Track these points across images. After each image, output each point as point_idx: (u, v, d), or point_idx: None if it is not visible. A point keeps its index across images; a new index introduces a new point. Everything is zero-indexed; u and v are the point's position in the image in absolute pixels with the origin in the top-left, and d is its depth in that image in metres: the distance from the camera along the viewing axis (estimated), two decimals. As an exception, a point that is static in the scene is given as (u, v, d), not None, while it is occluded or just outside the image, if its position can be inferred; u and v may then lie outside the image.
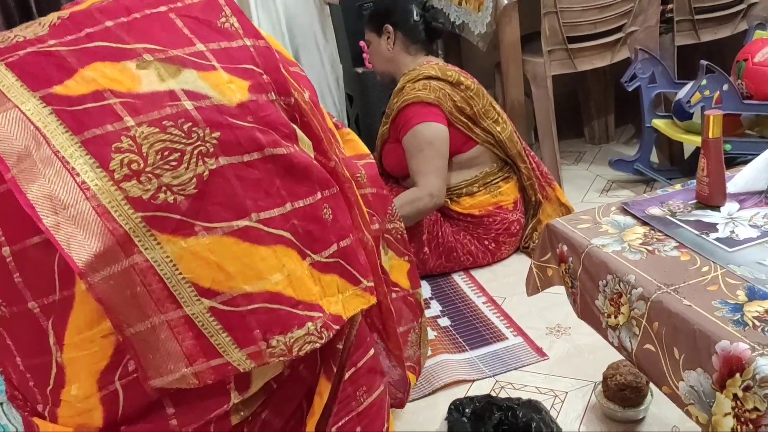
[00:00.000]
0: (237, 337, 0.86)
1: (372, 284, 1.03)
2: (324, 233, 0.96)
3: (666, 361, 0.87)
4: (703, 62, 2.02)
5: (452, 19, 2.60)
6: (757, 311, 0.84)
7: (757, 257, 0.94)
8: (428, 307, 1.98)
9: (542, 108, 2.46)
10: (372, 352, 1.08)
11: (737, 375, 0.77)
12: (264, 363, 0.87)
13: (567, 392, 1.56)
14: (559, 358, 1.68)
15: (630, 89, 2.34)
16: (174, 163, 0.84)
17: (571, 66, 2.41)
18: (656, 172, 2.45)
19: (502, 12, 2.37)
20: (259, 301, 0.87)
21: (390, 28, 2.11)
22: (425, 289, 2.07)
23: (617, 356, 1.22)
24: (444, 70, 2.05)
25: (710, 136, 1.06)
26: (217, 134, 0.86)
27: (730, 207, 1.09)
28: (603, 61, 2.43)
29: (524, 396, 1.55)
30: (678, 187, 1.19)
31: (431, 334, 1.83)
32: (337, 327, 0.94)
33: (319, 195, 0.96)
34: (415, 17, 2.13)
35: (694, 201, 1.12)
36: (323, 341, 0.91)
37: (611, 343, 1.00)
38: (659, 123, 2.35)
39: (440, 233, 2.07)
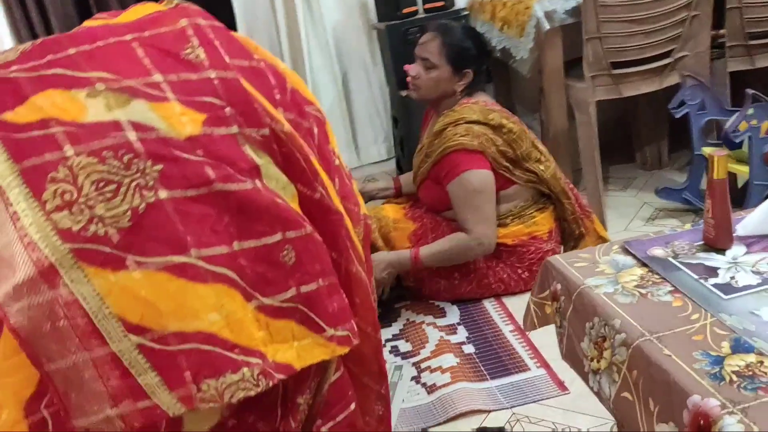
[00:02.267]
0: (167, 378, 0.81)
1: (344, 334, 0.96)
2: (280, 276, 0.91)
3: (641, 412, 0.85)
4: (749, 91, 1.94)
5: (494, 44, 2.60)
6: (738, 365, 0.80)
7: (752, 306, 0.90)
8: (455, 333, 1.97)
9: (585, 134, 2.41)
10: (353, 407, 1.03)
11: (705, 432, 0.74)
12: (194, 407, 0.82)
13: (582, 431, 1.52)
14: (580, 393, 1.63)
15: (677, 116, 2.27)
16: (109, 195, 0.81)
17: (616, 92, 2.36)
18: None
19: (545, 37, 2.35)
20: (191, 341, 0.82)
21: (470, 74, 2.04)
22: (454, 314, 2.06)
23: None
24: (486, 113, 1.99)
25: (715, 176, 1.03)
26: (159, 167, 0.84)
27: (736, 250, 1.05)
28: (650, 87, 2.37)
29: (539, 431, 1.53)
30: (688, 226, 1.15)
31: (453, 360, 1.82)
32: (282, 376, 0.89)
33: (279, 236, 0.91)
34: (485, 65, 2.11)
35: (701, 243, 1.08)
36: (260, 389, 0.85)
37: (591, 389, 0.98)
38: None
39: (473, 260, 2.06)
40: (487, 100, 2.09)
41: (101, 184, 0.81)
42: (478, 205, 1.95)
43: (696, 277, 0.99)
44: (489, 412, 1.63)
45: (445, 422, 1.62)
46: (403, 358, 1.89)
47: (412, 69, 2.08)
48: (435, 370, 1.80)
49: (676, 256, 1.06)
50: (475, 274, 2.07)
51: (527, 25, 2.36)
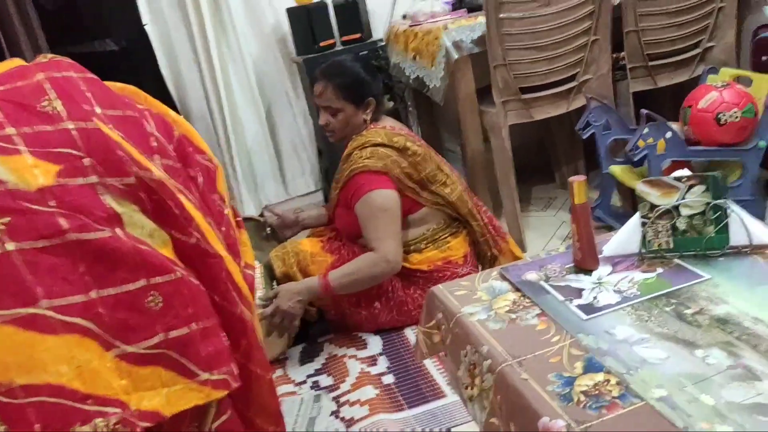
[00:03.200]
0: (16, 431, 0.82)
1: (220, 377, 0.96)
2: (144, 323, 0.92)
3: (504, 436, 0.87)
4: (643, 111, 2.02)
5: (407, 74, 2.65)
6: (586, 385, 0.83)
7: (608, 325, 0.94)
8: (375, 364, 1.98)
9: (500, 157, 2.47)
10: None
11: (551, 454, 0.76)
12: None
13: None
14: (493, 416, 1.65)
15: (584, 137, 2.34)
16: None
17: (527, 115, 2.43)
18: (617, 218, 2.43)
19: (455, 65, 2.41)
20: (40, 394, 0.83)
21: (373, 100, 2.08)
22: (376, 345, 2.07)
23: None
24: (390, 136, 2.04)
25: (576, 201, 1.07)
26: (6, 219, 0.84)
27: (602, 270, 1.09)
28: (558, 110, 2.45)
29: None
30: (562, 249, 1.19)
31: (372, 392, 1.82)
32: (147, 424, 0.89)
33: (142, 282, 0.92)
34: (381, 85, 2.15)
35: (571, 264, 1.12)
36: None
37: (471, 415, 0.99)
38: (616, 169, 2.34)
39: (391, 288, 2.08)
40: (394, 124, 2.14)
41: None
42: (383, 223, 1.98)
43: (562, 299, 1.03)
44: (404, 441, 1.63)
45: (361, 455, 1.61)
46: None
47: (321, 119, 2.12)
48: (354, 403, 1.80)
49: (547, 279, 1.09)
50: (394, 302, 2.08)
51: (437, 54, 2.42)
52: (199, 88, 3.01)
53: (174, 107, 3.02)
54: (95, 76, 1.11)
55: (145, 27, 2.89)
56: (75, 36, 3.88)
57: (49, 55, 1.12)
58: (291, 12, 2.83)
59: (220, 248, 1.09)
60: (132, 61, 4.09)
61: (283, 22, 2.96)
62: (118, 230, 0.92)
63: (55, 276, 0.86)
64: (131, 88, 1.22)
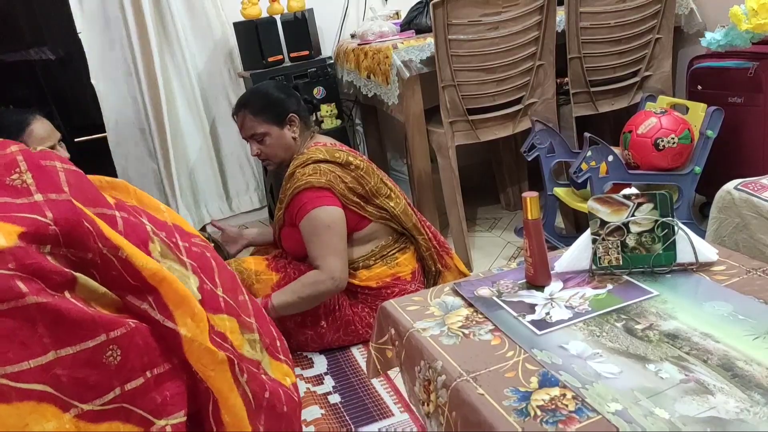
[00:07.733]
0: None
1: (178, 421, 0.96)
2: (103, 379, 0.90)
3: (459, 454, 0.85)
4: (587, 134, 2.08)
5: (364, 92, 2.65)
6: (542, 400, 0.83)
7: (561, 341, 0.94)
8: (321, 383, 1.94)
9: (447, 177, 2.49)
10: None
11: (508, 470, 0.75)
12: None
13: (442, 473, 1.52)
14: (441, 435, 1.64)
15: (529, 159, 2.39)
16: None
17: (474, 137, 2.46)
18: (561, 239, 2.48)
19: (405, 84, 2.42)
20: None
21: (295, 117, 2.07)
22: (322, 364, 2.03)
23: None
24: (332, 152, 2.02)
25: (529, 217, 1.08)
26: None
27: (554, 287, 1.09)
28: (505, 132, 2.49)
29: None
30: (514, 265, 1.20)
31: (318, 412, 1.78)
32: None
33: (102, 337, 0.91)
34: (300, 101, 2.13)
35: (523, 280, 1.12)
36: None
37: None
38: (560, 191, 2.39)
39: (337, 306, 2.05)
40: (335, 142, 2.13)
41: None
42: (327, 240, 1.95)
43: (515, 314, 1.03)
44: (350, 463, 1.59)
45: (306, 478, 1.57)
46: (267, 413, 1.83)
47: (252, 150, 2.10)
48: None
49: (500, 295, 1.09)
50: (341, 321, 2.05)
51: (390, 73, 2.43)
52: (137, 100, 2.92)
53: (101, 119, 2.91)
54: (79, 169, 1.09)
55: (80, 35, 2.79)
56: (9, 43, 3.73)
57: (39, 147, 1.12)
58: (238, 26, 2.79)
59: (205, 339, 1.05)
60: (68, 71, 3.96)
61: (230, 35, 2.92)
62: (68, 294, 0.90)
63: (11, 341, 0.82)
64: (121, 184, 1.20)
